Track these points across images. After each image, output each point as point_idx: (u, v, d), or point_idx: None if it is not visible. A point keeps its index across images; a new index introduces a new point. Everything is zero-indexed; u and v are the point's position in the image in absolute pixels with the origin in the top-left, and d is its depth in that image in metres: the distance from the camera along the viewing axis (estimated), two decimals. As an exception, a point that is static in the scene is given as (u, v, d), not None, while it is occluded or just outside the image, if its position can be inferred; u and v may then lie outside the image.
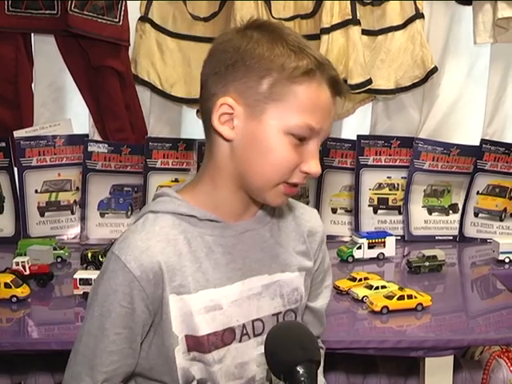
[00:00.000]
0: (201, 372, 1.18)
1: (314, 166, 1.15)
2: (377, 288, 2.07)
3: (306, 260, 1.28)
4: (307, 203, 2.72)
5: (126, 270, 1.12)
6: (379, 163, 2.72)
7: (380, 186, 2.74)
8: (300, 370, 0.98)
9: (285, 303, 1.24)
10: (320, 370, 1.32)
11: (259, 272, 1.21)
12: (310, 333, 1.04)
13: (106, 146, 2.61)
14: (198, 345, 1.16)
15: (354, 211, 2.73)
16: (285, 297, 1.24)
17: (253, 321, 1.20)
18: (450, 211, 2.77)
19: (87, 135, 2.66)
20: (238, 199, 1.19)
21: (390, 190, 2.75)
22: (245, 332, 1.19)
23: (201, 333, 1.15)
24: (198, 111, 2.57)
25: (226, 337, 1.18)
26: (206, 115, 1.16)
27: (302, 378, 0.98)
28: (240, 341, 1.19)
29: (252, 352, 1.21)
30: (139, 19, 2.56)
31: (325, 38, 2.43)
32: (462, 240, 2.74)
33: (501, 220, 2.75)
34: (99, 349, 1.14)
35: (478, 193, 2.74)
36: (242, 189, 1.17)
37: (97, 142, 2.62)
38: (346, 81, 2.45)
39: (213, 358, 1.17)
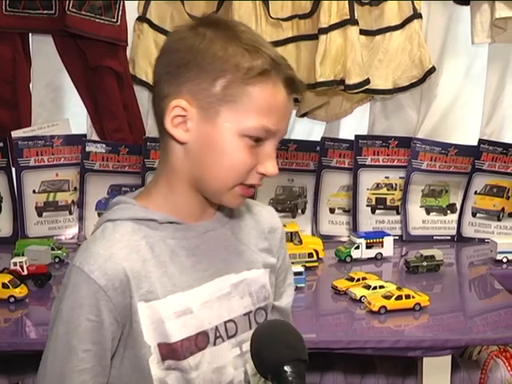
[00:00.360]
0: (178, 381, 1.14)
1: (270, 168, 1.12)
2: (375, 288, 2.07)
3: (270, 257, 1.26)
4: (305, 203, 2.73)
5: (90, 281, 1.07)
6: (377, 163, 2.72)
7: (378, 186, 2.74)
8: (287, 369, 0.97)
9: (254, 301, 1.21)
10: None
11: (226, 271, 1.19)
12: (295, 331, 1.03)
13: (104, 146, 2.61)
14: (171, 352, 1.12)
15: (352, 211, 2.73)
16: (253, 295, 1.21)
17: (225, 322, 1.17)
18: (448, 211, 2.77)
19: (85, 135, 2.66)
20: (196, 201, 1.16)
21: (387, 189, 2.75)
22: (218, 335, 1.16)
23: (173, 339, 1.11)
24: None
25: (199, 341, 1.14)
26: (158, 117, 1.13)
27: (290, 378, 0.96)
28: (214, 344, 1.16)
29: (228, 355, 1.18)
30: (137, 19, 2.56)
31: (323, 38, 2.43)
32: (459, 240, 2.74)
33: (498, 220, 2.75)
34: (67, 369, 1.08)
35: (475, 193, 2.74)
36: (198, 191, 1.15)
37: (95, 142, 2.62)
38: (343, 81, 2.45)
39: (189, 364, 1.13)
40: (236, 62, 1.07)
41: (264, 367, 1.00)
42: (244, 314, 1.20)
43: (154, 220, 1.14)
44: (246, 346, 1.17)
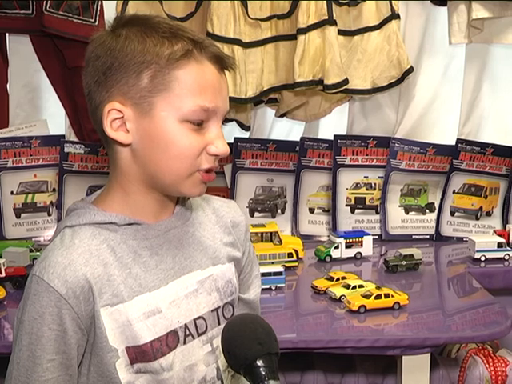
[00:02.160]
0: (148, 383, 1.13)
1: (220, 146, 1.11)
2: (354, 287, 2.08)
3: (235, 251, 1.27)
4: (285, 203, 2.73)
5: (51, 290, 1.06)
6: (356, 163, 2.73)
7: (357, 186, 2.75)
8: (259, 363, 0.97)
9: (222, 297, 1.21)
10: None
11: (191, 269, 1.18)
12: (265, 324, 1.03)
13: (83, 146, 2.60)
14: (141, 355, 1.11)
15: (332, 211, 2.73)
16: (220, 290, 1.21)
17: (194, 319, 1.17)
18: (427, 210, 2.79)
19: (63, 136, 2.64)
20: (153, 200, 1.15)
21: (367, 189, 2.76)
22: (188, 333, 1.16)
23: (143, 341, 1.11)
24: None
25: (170, 341, 1.14)
26: (98, 126, 1.12)
27: (263, 373, 0.97)
28: (184, 342, 1.15)
29: (198, 352, 1.18)
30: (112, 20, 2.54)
31: (301, 38, 2.43)
32: (438, 239, 2.76)
33: (477, 219, 2.77)
34: (33, 380, 1.07)
35: (454, 192, 2.76)
36: (154, 189, 1.14)
37: (73, 142, 2.61)
38: (322, 81, 2.46)
39: (160, 365, 1.13)
40: (157, 51, 1.07)
41: (236, 363, 1.00)
42: (212, 310, 1.20)
43: (113, 223, 1.13)
44: (217, 342, 1.18)
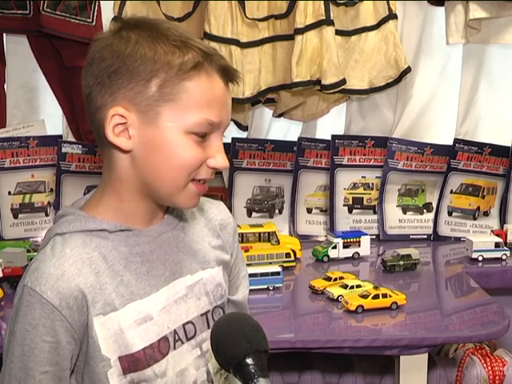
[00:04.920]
0: None
1: (221, 160, 1.11)
2: (352, 287, 2.08)
3: (224, 254, 1.26)
4: (282, 203, 2.73)
5: (44, 302, 1.04)
6: (354, 163, 2.73)
7: (355, 186, 2.75)
8: (249, 362, 0.97)
9: (211, 301, 1.21)
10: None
11: (182, 274, 1.18)
12: (253, 322, 1.03)
13: (80, 147, 2.59)
14: (134, 363, 1.10)
15: (329, 211, 2.73)
16: (210, 294, 1.21)
17: (183, 324, 1.16)
18: (424, 210, 2.79)
19: (61, 136, 2.63)
20: (146, 207, 1.14)
21: (364, 189, 2.76)
22: (177, 338, 1.15)
23: (135, 348, 1.10)
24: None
25: (162, 347, 1.13)
26: (97, 129, 1.10)
27: (253, 370, 0.97)
28: (174, 348, 1.15)
29: (188, 357, 1.17)
30: (112, 19, 2.54)
31: (299, 38, 2.43)
32: (436, 239, 2.76)
33: (474, 219, 2.77)
34: None
35: (451, 192, 2.76)
36: (148, 197, 1.12)
37: (71, 143, 2.60)
38: (319, 81, 2.46)
39: (154, 372, 1.12)
40: (167, 60, 1.05)
41: (225, 362, 1.00)
42: (201, 315, 1.19)
43: (104, 230, 1.12)
44: (207, 346, 1.18)
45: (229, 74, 1.12)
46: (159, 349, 1.13)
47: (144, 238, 1.15)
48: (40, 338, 1.05)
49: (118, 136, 1.08)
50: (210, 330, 1.11)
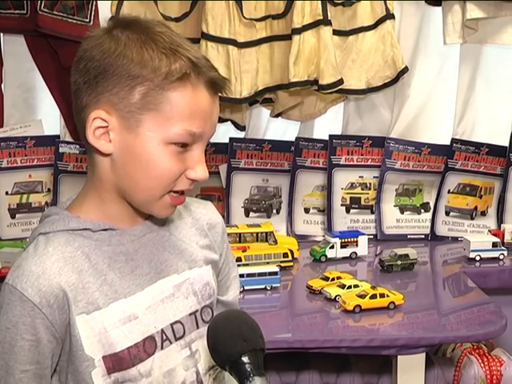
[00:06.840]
0: None
1: (200, 172, 1.09)
2: (349, 287, 2.08)
3: (212, 253, 1.25)
4: (280, 203, 2.73)
5: (24, 299, 1.04)
6: (351, 163, 2.73)
7: (352, 186, 2.75)
8: (245, 360, 0.97)
9: (199, 300, 1.20)
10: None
11: (168, 273, 1.17)
12: (250, 321, 1.02)
13: (78, 147, 2.59)
14: (118, 363, 1.10)
15: (327, 211, 2.73)
16: (198, 294, 1.20)
17: (171, 324, 1.16)
18: (422, 210, 2.79)
19: (58, 136, 2.63)
20: (127, 208, 1.13)
21: (362, 189, 2.76)
22: (165, 338, 1.14)
23: (119, 347, 1.09)
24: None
25: (147, 347, 1.12)
26: (81, 127, 1.10)
27: (249, 369, 0.97)
28: (162, 348, 1.14)
29: (177, 357, 1.16)
30: (110, 19, 2.54)
31: (296, 38, 2.43)
32: (433, 238, 2.76)
33: (471, 218, 2.77)
34: None
35: (449, 191, 2.77)
36: (127, 201, 1.13)
37: (68, 143, 2.60)
38: (317, 81, 2.46)
39: (138, 371, 1.11)
40: (153, 68, 1.04)
41: (221, 360, 1.00)
42: (190, 314, 1.19)
43: (87, 229, 1.11)
44: (196, 346, 1.18)
45: (217, 86, 1.09)
46: (144, 348, 1.12)
47: (128, 237, 1.14)
48: (20, 336, 1.05)
49: (98, 139, 1.07)
50: (199, 330, 1.12)
